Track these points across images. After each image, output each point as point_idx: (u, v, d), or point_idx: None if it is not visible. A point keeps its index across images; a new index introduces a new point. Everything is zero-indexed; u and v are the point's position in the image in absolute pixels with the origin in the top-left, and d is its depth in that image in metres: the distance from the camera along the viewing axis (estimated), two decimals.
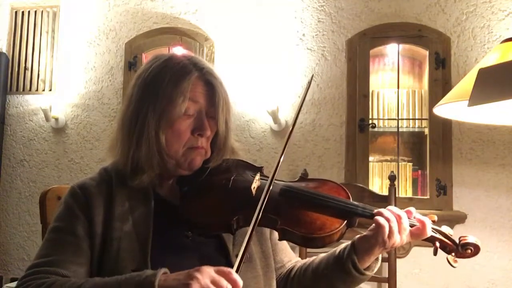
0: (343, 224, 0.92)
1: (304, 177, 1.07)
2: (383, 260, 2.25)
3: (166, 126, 0.93)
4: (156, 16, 2.92)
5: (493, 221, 2.43)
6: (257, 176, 0.99)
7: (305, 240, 0.91)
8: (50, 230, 0.93)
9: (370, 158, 2.64)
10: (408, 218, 0.95)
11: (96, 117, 2.95)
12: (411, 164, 2.65)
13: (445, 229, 0.97)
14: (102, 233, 0.91)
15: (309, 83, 1.14)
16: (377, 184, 2.66)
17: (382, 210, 0.94)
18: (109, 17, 3.00)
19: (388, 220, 0.91)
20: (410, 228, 0.94)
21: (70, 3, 3.05)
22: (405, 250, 2.47)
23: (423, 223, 0.94)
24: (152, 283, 0.75)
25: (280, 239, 0.94)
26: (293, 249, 1.20)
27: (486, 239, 2.42)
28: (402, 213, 0.94)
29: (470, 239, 0.94)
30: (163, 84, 0.93)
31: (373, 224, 0.94)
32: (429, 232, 0.94)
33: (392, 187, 2.24)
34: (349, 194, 1.00)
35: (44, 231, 1.16)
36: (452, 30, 2.56)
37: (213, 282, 0.73)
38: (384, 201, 2.24)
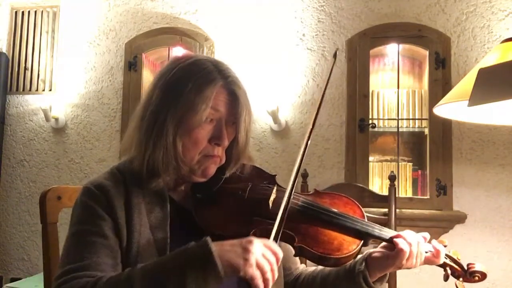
0: (360, 245, 0.93)
1: (318, 191, 1.05)
2: None
3: (185, 132, 0.91)
4: (156, 16, 2.92)
5: (493, 221, 2.43)
6: (274, 189, 0.98)
7: (321, 259, 0.91)
8: (76, 233, 0.89)
9: (370, 158, 2.64)
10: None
11: (96, 117, 2.95)
12: (411, 164, 2.65)
13: (453, 253, 1.00)
14: (126, 235, 0.89)
15: (335, 56, 1.08)
16: (377, 184, 2.65)
17: (402, 233, 0.96)
18: (109, 17, 3.00)
19: (410, 245, 0.93)
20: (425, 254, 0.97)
21: (70, 3, 3.05)
22: None
23: (437, 251, 0.97)
24: (209, 251, 0.75)
25: (295, 255, 0.94)
26: None
27: (486, 239, 2.43)
28: (420, 238, 0.96)
29: (478, 266, 0.98)
30: (186, 89, 0.90)
31: (383, 243, 0.97)
32: (442, 260, 0.97)
33: (392, 187, 2.24)
34: (364, 212, 1.01)
35: (44, 231, 1.15)
36: (452, 30, 2.56)
37: (263, 255, 0.77)
38: (384, 201, 2.23)
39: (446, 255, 0.99)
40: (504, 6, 2.52)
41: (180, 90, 0.91)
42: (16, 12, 3.15)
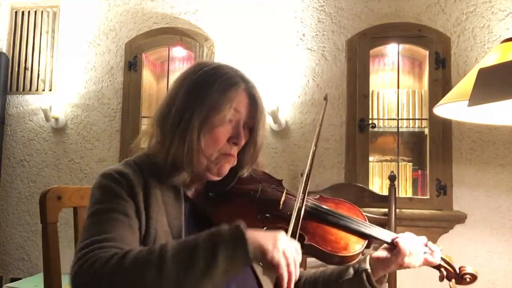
0: (364, 246, 1.01)
1: (323, 196, 1.13)
2: None
3: (208, 130, 0.96)
4: (156, 16, 2.92)
5: (493, 221, 2.43)
6: (284, 192, 1.06)
7: (328, 257, 0.98)
8: (96, 211, 0.89)
9: (370, 158, 2.64)
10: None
11: (96, 117, 2.95)
12: (411, 164, 2.65)
13: (446, 257, 1.10)
14: (145, 219, 0.92)
15: (325, 98, 1.21)
16: (377, 184, 2.65)
17: (402, 235, 1.05)
18: (109, 17, 3.00)
19: (410, 244, 1.02)
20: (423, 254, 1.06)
21: (70, 3, 3.05)
22: None
23: (433, 251, 1.06)
24: (241, 231, 0.79)
25: (303, 254, 0.97)
26: None
27: (486, 239, 2.42)
28: (419, 239, 1.06)
29: (468, 269, 1.08)
30: (212, 90, 0.97)
31: (385, 245, 1.05)
32: (439, 260, 1.06)
33: (392, 187, 2.24)
34: (366, 217, 1.08)
35: (44, 231, 1.15)
36: (452, 30, 2.56)
37: (289, 249, 0.83)
38: (384, 201, 2.23)
39: (441, 257, 1.08)
40: (504, 6, 2.52)
41: (206, 91, 0.97)
42: (16, 12, 3.15)
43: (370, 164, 2.62)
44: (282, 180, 1.11)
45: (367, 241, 1.01)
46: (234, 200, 1.03)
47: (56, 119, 2.94)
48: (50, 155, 3.00)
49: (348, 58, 2.65)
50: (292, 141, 2.68)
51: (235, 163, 1.03)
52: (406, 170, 2.63)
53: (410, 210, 2.44)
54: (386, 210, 2.23)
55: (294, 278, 0.81)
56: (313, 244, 0.97)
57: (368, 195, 2.32)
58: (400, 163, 2.64)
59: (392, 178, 2.26)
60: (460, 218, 2.44)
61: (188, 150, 0.95)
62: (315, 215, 1.03)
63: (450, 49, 2.54)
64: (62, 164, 2.98)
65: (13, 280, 2.86)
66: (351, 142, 2.59)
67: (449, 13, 2.57)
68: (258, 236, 0.81)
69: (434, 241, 2.41)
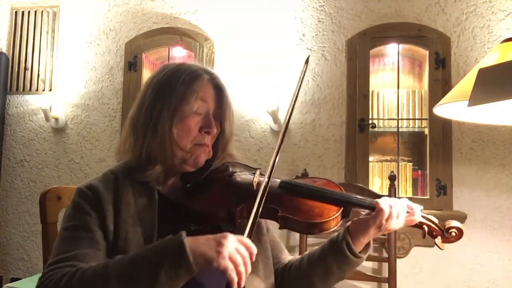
0: (339, 212, 1.00)
1: (299, 176, 1.14)
2: (383, 260, 2.25)
3: (178, 121, 1.01)
4: (156, 16, 2.92)
5: (493, 221, 2.43)
6: (257, 173, 1.07)
7: (305, 226, 0.97)
8: (63, 229, 0.96)
9: (370, 158, 2.64)
10: None
11: (96, 117, 2.95)
12: (411, 164, 2.65)
13: (431, 217, 1.06)
14: (113, 228, 0.95)
15: (306, 63, 1.24)
16: (377, 184, 2.66)
17: (382, 197, 1.04)
18: (109, 17, 3.00)
19: (390, 206, 1.00)
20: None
21: (70, 3, 3.05)
22: (405, 250, 2.47)
23: (412, 208, 1.04)
24: (181, 242, 0.80)
25: (281, 228, 1.00)
26: (292, 249, 1.20)
27: (486, 239, 2.42)
28: (398, 200, 1.05)
29: (454, 223, 1.04)
30: (177, 84, 1.02)
31: (366, 211, 1.04)
32: (419, 218, 1.04)
33: (392, 187, 2.24)
34: (342, 189, 1.08)
35: (44, 231, 1.16)
36: (452, 30, 2.56)
37: (237, 249, 0.81)
38: None
39: (423, 216, 1.05)
40: (504, 6, 2.52)
41: (172, 85, 1.03)
42: (16, 12, 3.15)
43: (370, 164, 2.62)
44: (259, 169, 1.11)
45: (342, 207, 1.00)
46: (210, 188, 1.05)
47: (56, 119, 2.94)
48: (50, 155, 3.00)
49: (348, 58, 2.65)
50: (292, 141, 2.68)
51: (210, 154, 1.08)
52: (406, 170, 2.63)
53: None
54: None
55: (245, 275, 0.81)
56: (286, 215, 0.97)
57: (368, 195, 2.31)
58: (400, 163, 2.64)
59: (392, 178, 2.26)
60: (460, 218, 2.44)
61: (161, 141, 1.00)
62: (286, 190, 1.04)
63: (450, 49, 2.54)
64: (62, 164, 2.98)
65: (13, 280, 2.86)
66: (351, 142, 2.59)
67: (449, 13, 2.57)
68: (201, 246, 0.80)
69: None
